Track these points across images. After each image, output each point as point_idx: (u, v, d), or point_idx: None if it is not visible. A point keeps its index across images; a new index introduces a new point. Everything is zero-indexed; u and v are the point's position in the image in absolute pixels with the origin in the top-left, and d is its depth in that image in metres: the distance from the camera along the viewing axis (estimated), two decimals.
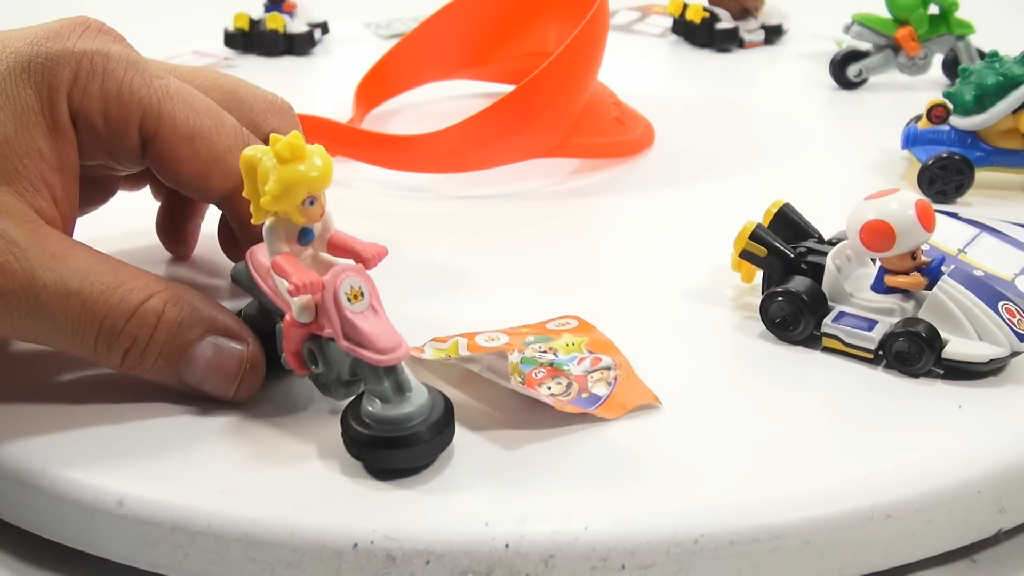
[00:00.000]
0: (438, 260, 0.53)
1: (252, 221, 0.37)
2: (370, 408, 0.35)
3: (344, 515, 0.34)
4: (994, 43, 0.70)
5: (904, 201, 0.41)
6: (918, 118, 0.60)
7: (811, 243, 0.45)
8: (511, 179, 0.62)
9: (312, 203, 0.36)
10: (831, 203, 0.51)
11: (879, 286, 0.42)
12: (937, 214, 0.50)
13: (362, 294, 0.36)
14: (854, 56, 0.77)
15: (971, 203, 0.57)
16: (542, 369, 0.41)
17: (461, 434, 0.38)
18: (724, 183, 0.63)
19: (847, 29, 0.77)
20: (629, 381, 0.40)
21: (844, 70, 0.77)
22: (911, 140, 0.59)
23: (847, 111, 0.76)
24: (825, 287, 0.43)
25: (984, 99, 0.56)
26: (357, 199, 0.61)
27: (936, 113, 0.59)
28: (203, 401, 0.40)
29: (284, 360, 0.38)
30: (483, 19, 0.72)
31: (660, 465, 0.36)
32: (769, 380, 0.41)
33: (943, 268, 0.41)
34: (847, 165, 0.64)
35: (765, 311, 0.43)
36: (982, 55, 0.73)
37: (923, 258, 0.41)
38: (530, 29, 0.72)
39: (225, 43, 0.90)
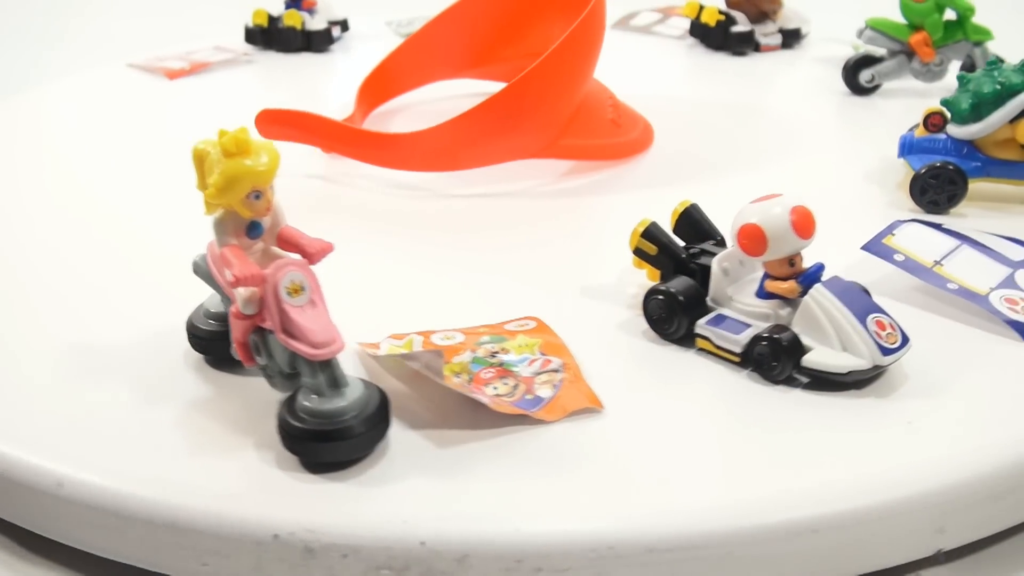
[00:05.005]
0: (424, 257, 0.54)
1: (204, 213, 0.38)
2: (305, 402, 0.36)
3: (268, 507, 0.34)
4: (1013, 50, 0.68)
5: (784, 206, 0.40)
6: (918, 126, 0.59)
7: (709, 245, 0.45)
8: (507, 178, 0.62)
9: (258, 197, 0.36)
10: (820, 209, 0.52)
11: (761, 291, 0.42)
12: (918, 225, 0.50)
13: (303, 288, 0.36)
14: (867, 61, 0.76)
15: (965, 214, 0.56)
16: (491, 369, 0.41)
17: (400, 431, 0.38)
18: (717, 187, 0.62)
19: (860, 33, 0.75)
20: (575, 385, 0.40)
21: (856, 75, 0.76)
22: (907, 148, 0.58)
23: (857, 117, 0.74)
24: (711, 289, 0.43)
25: (980, 107, 0.55)
26: (353, 196, 0.61)
27: (933, 121, 0.57)
28: (152, 390, 0.41)
29: (233, 350, 0.39)
30: (489, 19, 0.72)
31: (587, 470, 0.36)
32: (715, 391, 0.41)
33: (821, 276, 0.41)
34: (845, 172, 0.62)
35: (645, 308, 0.44)
36: (1001, 62, 0.71)
37: (802, 265, 0.41)
38: (535, 29, 0.72)
39: (245, 39, 0.92)
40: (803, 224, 0.40)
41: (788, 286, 0.41)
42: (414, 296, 0.49)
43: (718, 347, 0.42)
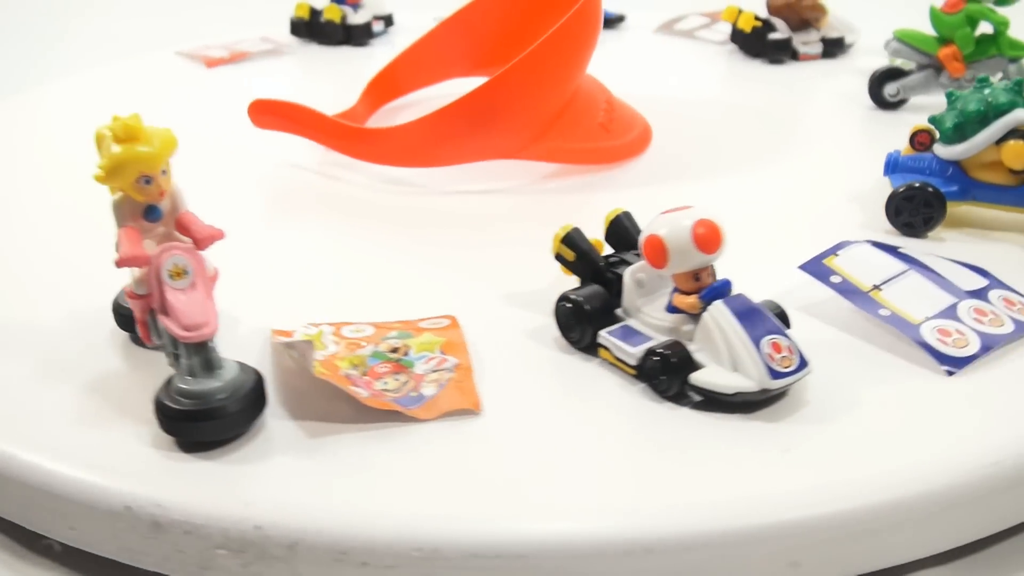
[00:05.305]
0: (392, 249, 0.55)
1: (110, 194, 0.40)
2: (179, 383, 0.37)
3: (125, 479, 0.35)
4: None
5: (691, 219, 0.39)
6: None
7: (631, 254, 0.44)
8: (503, 176, 0.62)
9: (148, 182, 0.38)
10: (792, 223, 0.52)
11: (670, 305, 0.41)
12: (868, 247, 0.47)
13: (186, 272, 0.38)
14: (893, 74, 0.72)
15: (943, 238, 0.53)
16: (387, 364, 0.42)
17: (281, 420, 0.39)
18: (697, 195, 0.60)
19: (887, 45, 0.72)
20: (459, 385, 0.40)
21: (881, 88, 0.72)
22: (892, 167, 0.55)
23: (876, 131, 0.71)
24: (623, 299, 0.42)
25: (965, 127, 0.52)
26: (341, 189, 0.62)
27: (920, 139, 0.54)
28: (73, 363, 0.43)
29: (138, 328, 0.41)
30: (498, 21, 0.72)
31: (440, 471, 0.36)
32: (605, 402, 0.40)
33: (727, 292, 0.40)
34: (836, 187, 0.60)
35: (555, 315, 0.43)
36: None
37: (708, 280, 0.40)
38: (544, 31, 0.71)
39: (291, 31, 0.95)
40: (707, 239, 0.39)
41: (691, 301, 0.40)
42: (364, 286, 0.50)
43: (617, 358, 0.41)
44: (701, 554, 0.33)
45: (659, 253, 0.39)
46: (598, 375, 0.42)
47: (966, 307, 0.43)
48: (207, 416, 0.37)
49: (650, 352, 0.39)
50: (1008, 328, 0.43)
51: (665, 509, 0.34)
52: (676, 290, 0.41)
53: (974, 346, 0.41)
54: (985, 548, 0.37)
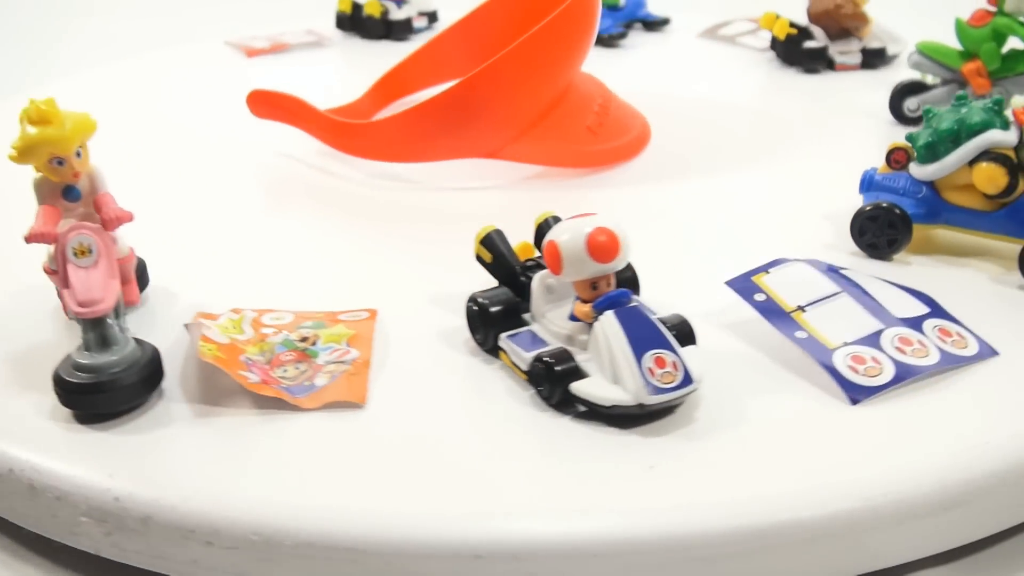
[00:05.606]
0: (367, 241, 0.56)
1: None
2: (76, 357, 0.39)
3: (13, 444, 0.37)
4: None
5: (591, 226, 0.38)
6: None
7: None
8: (500, 173, 0.62)
9: (61, 163, 0.40)
10: (757, 236, 0.53)
11: (570, 312, 0.40)
12: (804, 265, 0.46)
13: (90, 251, 0.39)
14: (915, 88, 0.69)
15: (909, 262, 0.50)
16: (291, 353, 0.42)
17: (180, 399, 0.40)
18: (686, 198, 0.60)
19: (909, 58, 0.69)
20: (351, 378, 0.41)
21: (902, 103, 0.69)
22: (867, 185, 0.53)
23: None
24: (531, 304, 0.42)
25: (937, 147, 0.49)
26: (334, 182, 0.63)
27: (896, 157, 0.52)
28: (16, 334, 0.45)
29: (61, 302, 0.43)
30: (507, 23, 0.72)
31: (295, 460, 0.37)
32: (491, 405, 0.40)
33: (627, 303, 0.39)
34: (818, 203, 0.57)
35: (466, 315, 0.44)
36: None
37: (606, 289, 0.39)
38: None
39: (336, 25, 0.97)
40: (602, 248, 0.38)
41: (586, 309, 0.39)
42: (325, 277, 0.52)
43: (513, 362, 0.41)
44: (529, 564, 0.32)
45: (555, 259, 0.39)
46: (495, 378, 0.41)
47: (891, 335, 0.41)
48: (97, 389, 0.38)
49: (537, 359, 0.39)
50: (933, 359, 0.40)
51: (496, 516, 0.33)
52: (578, 298, 0.40)
53: (886, 376, 0.39)
54: (985, 548, 0.36)
